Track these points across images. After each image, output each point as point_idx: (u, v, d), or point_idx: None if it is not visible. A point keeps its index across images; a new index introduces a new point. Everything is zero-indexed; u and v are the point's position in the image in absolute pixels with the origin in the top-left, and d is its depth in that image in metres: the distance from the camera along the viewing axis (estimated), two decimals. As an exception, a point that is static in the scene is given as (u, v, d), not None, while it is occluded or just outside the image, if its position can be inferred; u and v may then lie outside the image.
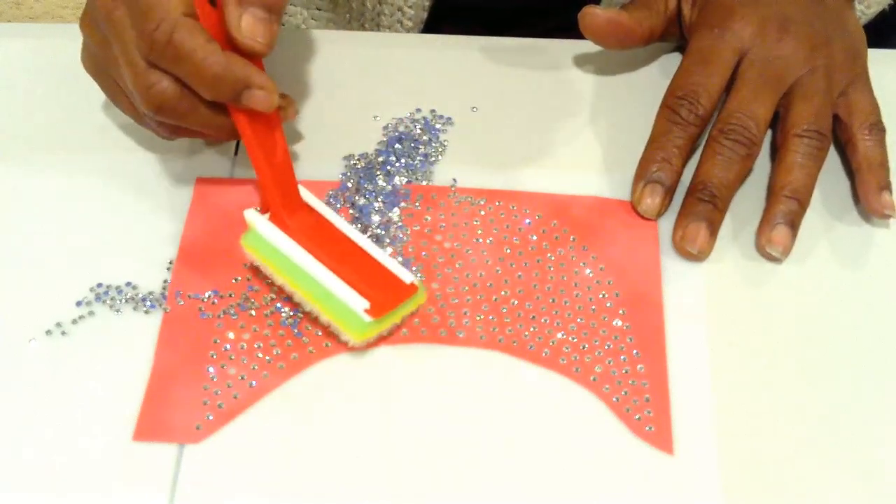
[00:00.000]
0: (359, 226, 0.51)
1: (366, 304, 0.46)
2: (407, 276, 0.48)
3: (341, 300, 0.46)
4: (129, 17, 0.45)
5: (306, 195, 0.50)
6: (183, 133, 0.50)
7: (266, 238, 0.48)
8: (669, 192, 0.52)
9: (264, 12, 0.45)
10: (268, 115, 0.48)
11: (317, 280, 0.47)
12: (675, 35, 0.58)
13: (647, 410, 0.46)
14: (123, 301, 0.49)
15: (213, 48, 0.45)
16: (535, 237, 0.52)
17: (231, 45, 0.46)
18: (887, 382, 0.48)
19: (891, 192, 0.52)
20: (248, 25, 0.45)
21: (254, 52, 0.46)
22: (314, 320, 0.48)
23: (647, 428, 0.46)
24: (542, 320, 0.49)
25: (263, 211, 0.49)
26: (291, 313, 0.49)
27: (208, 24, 0.46)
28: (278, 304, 0.49)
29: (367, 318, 0.46)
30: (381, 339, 0.48)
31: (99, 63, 0.49)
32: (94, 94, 0.52)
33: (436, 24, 0.65)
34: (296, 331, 0.48)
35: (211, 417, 0.46)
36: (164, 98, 0.46)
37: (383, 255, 0.49)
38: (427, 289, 0.50)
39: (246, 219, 0.49)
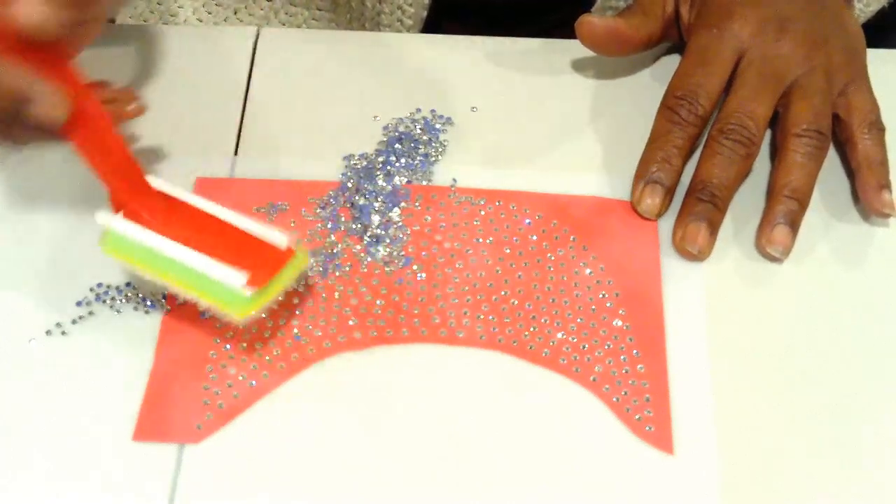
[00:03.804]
0: (358, 225, 0.51)
1: (243, 277, 0.43)
2: (282, 241, 0.46)
3: (217, 280, 0.44)
4: None
5: (159, 184, 0.47)
6: (13, 140, 0.45)
7: (123, 236, 0.45)
8: (669, 192, 0.52)
9: None
10: (91, 113, 0.44)
11: (186, 265, 0.44)
12: (674, 37, 0.58)
13: (647, 410, 0.46)
14: (123, 301, 0.49)
15: None
16: (535, 237, 0.52)
17: (13, 44, 0.41)
18: (887, 382, 0.48)
19: (890, 190, 0.52)
20: (23, 6, 0.40)
21: (37, 31, 0.40)
22: (313, 319, 0.48)
23: (647, 428, 0.46)
24: (542, 320, 0.49)
25: (116, 211, 0.46)
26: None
27: None
28: (277, 305, 0.49)
29: (248, 292, 0.44)
30: (382, 340, 0.48)
31: None
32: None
33: (436, 22, 0.65)
34: (295, 331, 0.48)
35: (211, 417, 0.46)
36: None
37: (254, 225, 0.46)
38: (427, 287, 0.50)
39: (98, 222, 0.45)
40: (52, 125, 0.42)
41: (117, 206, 0.46)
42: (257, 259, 0.45)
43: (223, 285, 0.44)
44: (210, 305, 0.45)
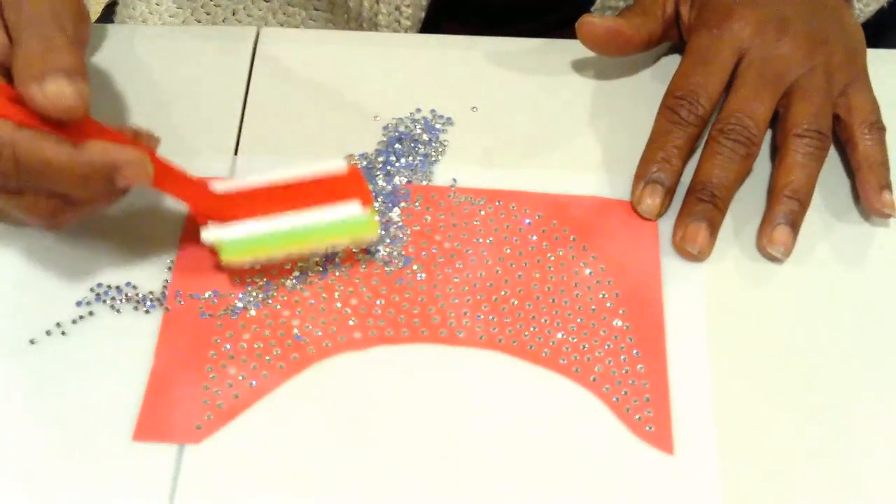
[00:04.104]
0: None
1: (357, 202, 0.47)
2: (341, 166, 0.50)
3: (336, 221, 0.48)
4: None
5: (220, 187, 0.49)
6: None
7: (235, 238, 0.48)
8: (669, 193, 0.52)
9: (65, 76, 0.41)
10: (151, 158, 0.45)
11: (303, 228, 0.48)
12: (674, 38, 0.58)
13: (647, 410, 0.46)
14: (123, 301, 0.49)
15: (64, 149, 0.41)
16: (535, 237, 0.52)
17: (45, 121, 0.41)
18: (887, 382, 0.48)
19: (891, 190, 0.52)
20: (53, 89, 0.41)
21: (69, 111, 0.41)
22: (314, 319, 0.48)
23: (647, 428, 0.46)
24: (542, 320, 0.49)
25: (203, 224, 0.49)
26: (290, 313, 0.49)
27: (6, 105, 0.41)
28: (277, 305, 0.49)
29: (367, 212, 0.48)
30: (382, 340, 0.48)
31: None
32: (95, 94, 0.52)
33: (434, 22, 0.65)
34: (295, 331, 0.48)
35: (211, 417, 0.46)
36: (49, 213, 0.43)
37: (310, 170, 0.49)
38: (427, 287, 0.50)
39: (208, 240, 0.48)
40: (142, 182, 0.44)
41: (203, 220, 0.49)
42: (341, 189, 0.49)
43: (344, 222, 0.48)
44: (347, 243, 0.49)
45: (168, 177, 0.46)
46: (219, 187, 0.49)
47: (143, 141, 0.46)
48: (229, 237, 0.48)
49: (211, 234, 0.48)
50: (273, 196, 0.49)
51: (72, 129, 0.42)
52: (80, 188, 0.43)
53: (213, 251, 0.50)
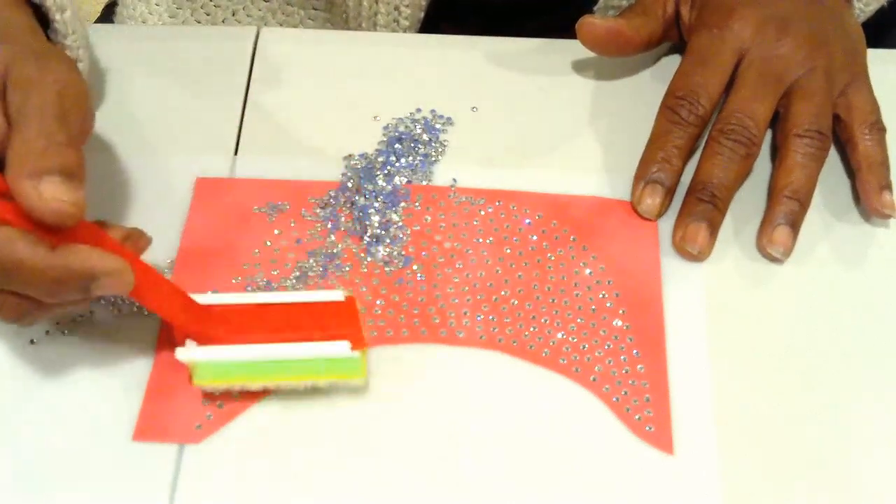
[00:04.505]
0: (358, 225, 0.51)
1: (346, 343, 0.44)
2: (339, 295, 0.46)
3: (322, 358, 0.45)
4: None
5: (205, 300, 0.46)
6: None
7: (214, 362, 0.45)
8: (669, 193, 0.52)
9: (62, 177, 0.39)
10: (135, 265, 0.43)
11: (286, 360, 0.45)
12: (675, 38, 0.58)
13: (647, 410, 0.46)
14: (123, 301, 0.49)
15: (41, 252, 0.39)
16: (535, 237, 0.52)
17: (33, 222, 0.39)
18: (887, 382, 0.48)
19: (891, 191, 0.52)
20: (50, 191, 0.38)
21: (64, 218, 0.39)
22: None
23: (647, 428, 0.46)
24: (542, 320, 0.49)
25: (181, 342, 0.45)
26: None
27: None
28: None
29: (357, 353, 0.44)
30: (382, 340, 0.48)
31: None
32: (94, 94, 0.52)
33: (434, 23, 0.65)
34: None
35: (211, 417, 0.46)
36: (18, 313, 0.41)
37: (305, 295, 0.47)
38: (427, 287, 0.50)
39: (182, 360, 0.44)
40: (123, 292, 0.41)
41: (182, 337, 0.45)
42: (334, 321, 0.45)
43: (330, 361, 0.44)
44: (328, 384, 0.46)
45: (150, 286, 0.43)
46: (204, 301, 0.46)
47: (130, 243, 0.44)
48: (204, 360, 0.45)
49: (185, 354, 0.44)
50: (260, 317, 0.46)
51: (56, 233, 0.40)
52: (52, 294, 0.40)
53: (212, 251, 0.50)
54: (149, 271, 0.44)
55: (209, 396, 0.46)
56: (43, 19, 0.47)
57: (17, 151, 0.39)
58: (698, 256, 0.51)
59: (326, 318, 0.46)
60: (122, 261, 0.41)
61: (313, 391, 0.46)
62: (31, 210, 0.38)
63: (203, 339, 0.45)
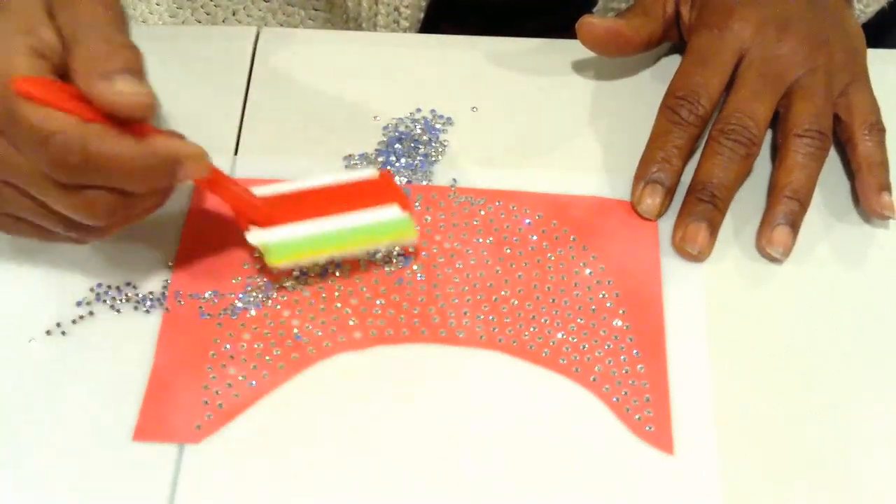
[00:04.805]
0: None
1: (395, 206, 0.49)
2: (374, 173, 0.51)
3: (377, 223, 0.48)
4: (14, 150, 0.41)
5: (261, 192, 0.49)
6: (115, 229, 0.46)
7: (281, 241, 0.48)
8: (669, 193, 0.52)
9: (131, 74, 0.41)
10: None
11: (344, 230, 0.48)
12: (675, 38, 0.58)
13: (647, 410, 0.46)
14: (123, 301, 0.49)
15: (129, 142, 0.41)
16: (535, 237, 0.52)
17: (108, 120, 0.41)
18: (887, 382, 0.48)
19: (890, 192, 0.52)
20: (125, 87, 0.40)
21: (144, 109, 0.41)
22: (313, 319, 0.48)
23: (647, 428, 0.46)
24: (542, 320, 0.49)
25: (244, 228, 0.48)
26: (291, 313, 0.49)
27: (60, 102, 0.40)
28: (277, 305, 0.49)
29: (406, 215, 0.49)
30: (382, 340, 0.48)
31: None
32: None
33: (434, 23, 0.65)
34: (295, 331, 0.48)
35: (211, 417, 0.46)
36: (108, 210, 0.42)
37: (344, 176, 0.51)
38: (427, 287, 0.50)
39: (254, 242, 0.48)
40: (203, 175, 0.44)
41: (246, 224, 0.48)
42: (377, 193, 0.50)
43: (385, 224, 0.49)
44: (388, 245, 0.50)
45: (216, 178, 0.46)
46: (258, 192, 0.49)
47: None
48: (275, 240, 0.48)
49: (256, 236, 0.48)
50: (311, 200, 0.49)
51: (131, 129, 0.42)
52: (142, 182, 0.42)
53: (212, 251, 0.50)
54: (212, 165, 0.46)
55: (209, 396, 0.46)
56: None
57: (84, 58, 0.41)
58: (698, 256, 0.51)
59: (368, 193, 0.50)
60: (200, 147, 0.44)
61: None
62: (112, 106, 0.40)
63: (266, 224, 0.48)
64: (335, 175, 0.51)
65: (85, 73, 0.41)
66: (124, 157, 0.41)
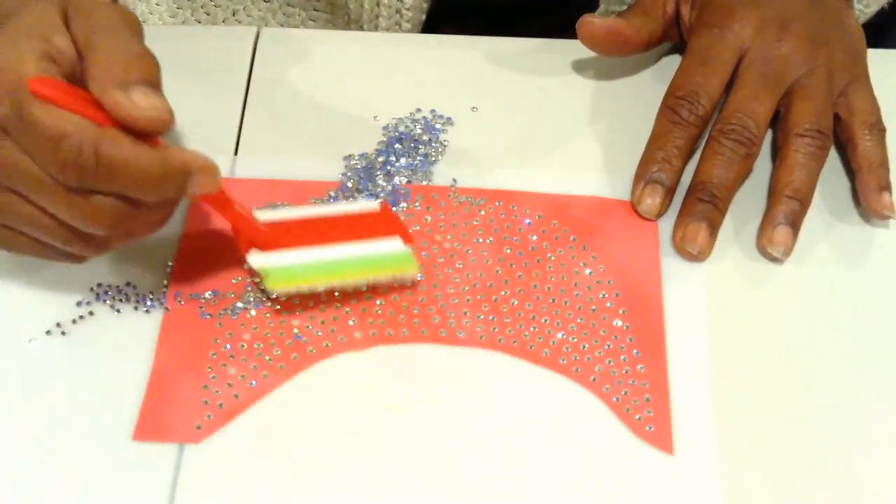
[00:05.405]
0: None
1: (397, 239, 0.49)
2: (375, 205, 0.51)
3: (378, 255, 0.49)
4: (25, 152, 0.40)
5: (262, 216, 0.49)
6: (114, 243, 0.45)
7: (284, 266, 0.48)
8: (670, 193, 0.52)
9: (147, 86, 0.41)
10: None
11: (345, 260, 0.48)
12: (675, 38, 0.58)
13: (647, 410, 0.46)
14: (123, 301, 0.49)
15: (143, 149, 0.41)
16: (535, 237, 0.52)
17: (123, 129, 0.41)
18: (887, 382, 0.48)
19: (890, 192, 0.52)
20: (143, 100, 0.40)
21: (159, 124, 0.41)
22: (313, 319, 0.48)
23: (647, 428, 0.46)
24: (542, 320, 0.49)
25: (244, 252, 0.48)
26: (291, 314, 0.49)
27: (73, 105, 0.40)
28: (277, 305, 0.49)
29: (408, 249, 0.49)
30: (382, 340, 0.48)
31: None
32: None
33: (434, 22, 0.65)
34: (295, 331, 0.48)
35: (211, 417, 0.46)
36: (113, 219, 0.42)
37: (346, 206, 0.51)
38: (427, 287, 0.50)
39: (255, 265, 0.48)
40: (212, 191, 0.44)
41: (246, 246, 0.48)
42: (377, 225, 0.50)
43: (386, 257, 0.49)
44: (387, 278, 0.49)
45: (222, 196, 0.46)
46: (259, 216, 0.49)
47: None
48: (276, 265, 0.48)
49: (258, 260, 0.48)
50: (313, 228, 0.49)
51: (142, 139, 0.41)
52: (153, 190, 0.42)
53: (212, 251, 0.50)
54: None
55: (209, 396, 0.46)
56: None
57: (101, 66, 0.41)
58: (698, 256, 0.51)
59: (369, 225, 0.50)
60: (211, 160, 0.43)
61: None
62: (127, 118, 0.40)
63: (267, 248, 0.48)
64: (338, 205, 0.51)
65: (102, 80, 0.40)
66: (138, 164, 0.40)
